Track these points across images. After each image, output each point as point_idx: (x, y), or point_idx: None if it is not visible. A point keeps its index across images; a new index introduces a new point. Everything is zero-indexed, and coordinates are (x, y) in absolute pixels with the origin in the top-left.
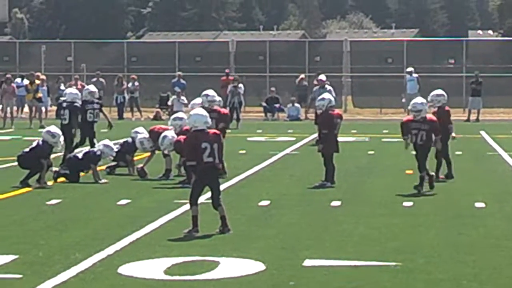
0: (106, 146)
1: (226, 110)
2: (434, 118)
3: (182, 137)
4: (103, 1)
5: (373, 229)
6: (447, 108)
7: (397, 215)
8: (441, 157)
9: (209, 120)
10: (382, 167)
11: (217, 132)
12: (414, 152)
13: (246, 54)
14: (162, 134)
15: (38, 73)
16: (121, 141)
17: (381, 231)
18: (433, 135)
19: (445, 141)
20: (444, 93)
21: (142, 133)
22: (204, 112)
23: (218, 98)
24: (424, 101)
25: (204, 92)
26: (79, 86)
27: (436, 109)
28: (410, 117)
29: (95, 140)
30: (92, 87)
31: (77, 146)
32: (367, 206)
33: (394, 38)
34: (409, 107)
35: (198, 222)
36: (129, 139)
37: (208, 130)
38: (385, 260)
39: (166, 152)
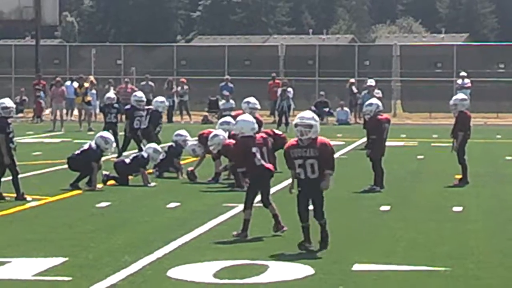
0: (154, 150)
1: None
2: (326, 140)
3: (230, 141)
4: (153, 4)
5: (422, 234)
6: (468, 113)
7: (446, 220)
8: (463, 161)
9: (256, 126)
10: (432, 172)
11: (264, 136)
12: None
13: (295, 58)
14: (213, 133)
15: (90, 76)
16: (166, 146)
17: (431, 236)
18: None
19: (462, 146)
20: (466, 97)
21: (185, 136)
22: (251, 119)
23: (258, 106)
24: (315, 116)
25: (246, 99)
26: (129, 90)
27: (457, 114)
28: (294, 140)
29: (141, 145)
30: (140, 93)
31: (120, 152)
32: (416, 210)
33: (444, 42)
34: (295, 121)
35: (249, 226)
36: (173, 144)
37: (256, 136)
38: (434, 265)
39: (212, 148)
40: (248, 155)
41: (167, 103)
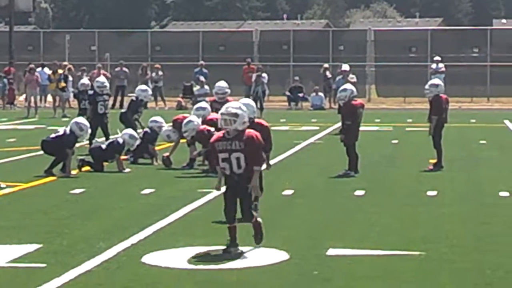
0: (129, 135)
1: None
2: (255, 133)
3: (205, 127)
4: None
5: (396, 219)
6: (444, 96)
7: (420, 205)
8: (437, 145)
9: (256, 110)
10: (406, 156)
11: (261, 122)
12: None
13: (269, 43)
14: (187, 119)
15: (67, 64)
16: (141, 133)
17: (405, 220)
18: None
19: (439, 130)
20: (440, 83)
21: (161, 122)
22: (252, 103)
23: (227, 90)
24: (243, 106)
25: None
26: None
27: (432, 98)
28: (221, 132)
29: (116, 131)
30: (102, 78)
31: (91, 140)
32: (390, 195)
33: (418, 27)
34: (221, 110)
35: None
36: (148, 130)
37: (254, 120)
38: (408, 249)
39: (186, 134)
40: None
41: (150, 92)
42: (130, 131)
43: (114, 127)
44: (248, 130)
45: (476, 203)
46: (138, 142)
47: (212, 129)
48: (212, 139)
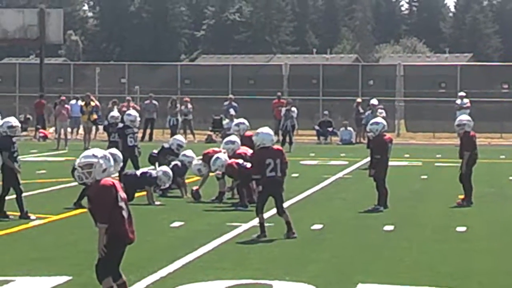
0: (164, 173)
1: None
2: (106, 182)
3: (234, 161)
4: (157, 23)
5: (426, 254)
6: (472, 133)
7: (450, 240)
8: (466, 181)
9: (274, 138)
10: (435, 191)
11: (280, 148)
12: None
13: (299, 77)
14: (215, 156)
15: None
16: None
17: (434, 256)
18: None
19: (470, 166)
20: (469, 118)
21: (191, 156)
22: (271, 131)
23: (240, 126)
24: (97, 151)
25: (236, 121)
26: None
27: (462, 132)
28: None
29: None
30: (134, 112)
31: (119, 172)
32: (420, 230)
33: (448, 62)
34: (76, 164)
35: (266, 229)
36: (178, 163)
37: (272, 147)
38: (438, 285)
39: (216, 172)
40: (262, 165)
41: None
42: (165, 168)
43: (144, 160)
44: (104, 180)
45: (506, 239)
46: (170, 182)
47: (241, 161)
48: None
